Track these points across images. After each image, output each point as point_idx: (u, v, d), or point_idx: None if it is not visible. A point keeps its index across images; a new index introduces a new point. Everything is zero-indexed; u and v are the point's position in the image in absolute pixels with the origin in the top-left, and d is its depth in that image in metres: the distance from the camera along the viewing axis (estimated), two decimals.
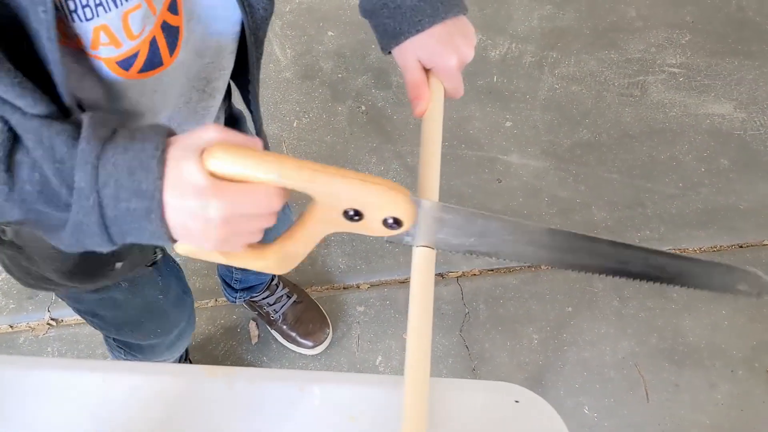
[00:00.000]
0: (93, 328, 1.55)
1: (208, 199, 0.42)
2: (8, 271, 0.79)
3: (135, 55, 0.52)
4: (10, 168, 0.44)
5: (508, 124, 1.93)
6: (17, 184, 0.44)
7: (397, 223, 0.48)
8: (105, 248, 0.46)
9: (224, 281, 1.47)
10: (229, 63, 0.67)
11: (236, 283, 1.44)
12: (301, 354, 1.53)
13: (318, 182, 0.44)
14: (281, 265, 0.50)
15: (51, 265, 0.74)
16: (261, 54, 0.67)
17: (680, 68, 2.07)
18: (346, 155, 1.84)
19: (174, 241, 0.46)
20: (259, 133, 0.78)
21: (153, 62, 0.54)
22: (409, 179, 1.80)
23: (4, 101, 0.44)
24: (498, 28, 2.13)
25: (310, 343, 1.52)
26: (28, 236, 0.69)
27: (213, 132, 0.44)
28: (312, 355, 1.54)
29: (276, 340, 1.55)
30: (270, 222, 0.46)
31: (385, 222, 0.48)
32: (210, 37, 0.61)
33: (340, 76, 1.99)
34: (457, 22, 0.67)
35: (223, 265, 1.40)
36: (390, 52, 0.71)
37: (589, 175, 1.84)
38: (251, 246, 0.48)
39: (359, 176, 0.46)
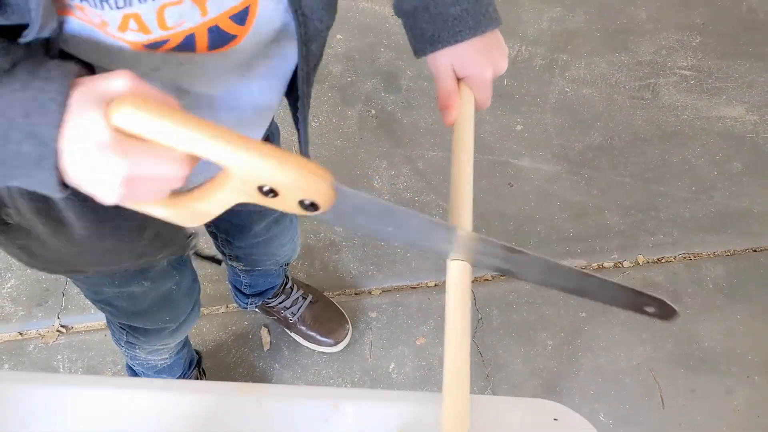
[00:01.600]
0: (103, 336, 1.55)
1: (110, 157, 0.39)
2: (29, 264, 0.75)
3: (164, 42, 0.50)
4: None
5: (519, 127, 1.91)
6: None
7: (314, 206, 0.47)
8: None
9: (234, 287, 1.45)
10: (274, 52, 0.64)
11: (246, 288, 1.42)
12: (314, 361, 1.52)
13: (234, 157, 0.42)
14: (188, 220, 0.48)
15: (61, 244, 0.70)
16: (314, 69, 0.64)
17: (691, 71, 2.05)
18: (356, 159, 1.83)
19: (64, 190, 0.43)
20: (304, 154, 0.77)
21: (183, 49, 0.52)
22: (420, 184, 1.79)
23: None
24: (507, 31, 2.11)
25: (331, 341, 1.51)
26: (27, 212, 0.65)
27: (123, 79, 0.41)
28: (325, 362, 1.52)
29: (289, 346, 1.54)
30: (176, 184, 0.44)
31: (301, 203, 0.47)
32: (265, 43, 0.59)
33: (349, 79, 1.98)
34: (493, 34, 0.66)
35: (232, 271, 1.40)
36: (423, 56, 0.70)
37: (602, 178, 1.83)
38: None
39: (279, 155, 0.44)
